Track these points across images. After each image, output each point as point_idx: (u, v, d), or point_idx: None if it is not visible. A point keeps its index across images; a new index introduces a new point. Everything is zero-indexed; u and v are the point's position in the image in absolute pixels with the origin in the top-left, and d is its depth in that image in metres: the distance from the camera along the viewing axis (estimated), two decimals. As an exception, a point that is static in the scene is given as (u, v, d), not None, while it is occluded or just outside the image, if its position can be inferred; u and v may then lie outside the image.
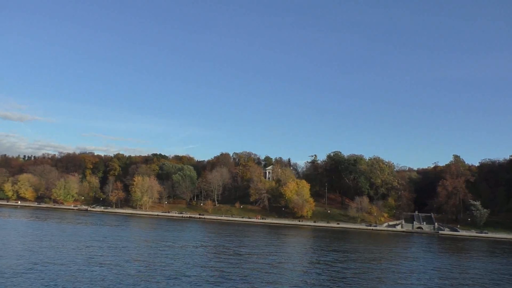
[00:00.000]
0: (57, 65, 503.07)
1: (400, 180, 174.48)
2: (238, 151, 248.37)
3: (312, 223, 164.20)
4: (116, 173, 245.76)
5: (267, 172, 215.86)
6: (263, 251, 78.95)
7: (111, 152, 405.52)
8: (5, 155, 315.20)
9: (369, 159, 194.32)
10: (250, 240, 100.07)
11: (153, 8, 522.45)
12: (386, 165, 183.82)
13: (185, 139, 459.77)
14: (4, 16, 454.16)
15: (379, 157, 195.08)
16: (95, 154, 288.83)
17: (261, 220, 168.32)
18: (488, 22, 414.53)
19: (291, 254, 78.71)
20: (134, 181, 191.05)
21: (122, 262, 57.15)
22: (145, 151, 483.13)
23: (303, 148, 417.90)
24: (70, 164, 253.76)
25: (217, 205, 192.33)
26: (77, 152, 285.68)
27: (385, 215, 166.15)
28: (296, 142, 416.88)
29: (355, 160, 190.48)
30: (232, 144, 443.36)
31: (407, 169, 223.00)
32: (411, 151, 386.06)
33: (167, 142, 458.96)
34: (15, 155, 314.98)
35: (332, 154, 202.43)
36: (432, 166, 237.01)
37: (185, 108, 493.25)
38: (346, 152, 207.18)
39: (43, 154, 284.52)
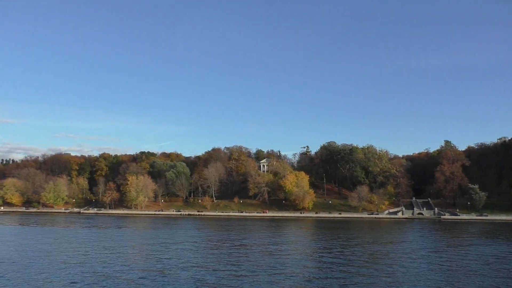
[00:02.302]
0: (24, 65, 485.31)
1: (398, 167, 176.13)
2: (218, 145, 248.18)
3: (314, 215, 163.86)
4: (104, 173, 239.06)
5: (262, 165, 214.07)
6: (280, 244, 77.46)
7: (85, 152, 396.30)
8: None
9: (362, 148, 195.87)
10: (260, 234, 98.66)
11: (126, 7, 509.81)
12: (382, 153, 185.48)
13: (158, 136, 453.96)
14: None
15: (372, 146, 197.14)
16: (80, 155, 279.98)
17: (268, 214, 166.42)
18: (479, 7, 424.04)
19: (308, 246, 77.60)
20: (128, 180, 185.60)
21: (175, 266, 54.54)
22: (121, 150, 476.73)
23: (284, 140, 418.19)
24: (55, 166, 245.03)
25: (215, 201, 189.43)
26: (50, 153, 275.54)
27: (386, 203, 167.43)
28: (278, 134, 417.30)
29: (351, 150, 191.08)
30: (212, 138, 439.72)
31: (393, 156, 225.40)
32: (393, 138, 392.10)
33: (141, 140, 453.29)
34: None
35: (326, 145, 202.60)
36: (417, 152, 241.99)
37: (157, 104, 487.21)
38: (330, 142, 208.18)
39: (26, 157, 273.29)
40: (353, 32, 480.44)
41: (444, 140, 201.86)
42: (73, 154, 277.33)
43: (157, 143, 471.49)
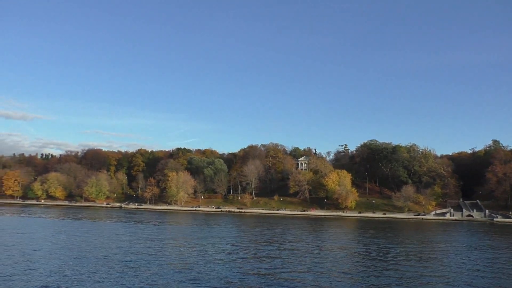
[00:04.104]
0: (57, 63, 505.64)
1: (445, 167, 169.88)
2: (243, 143, 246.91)
3: (357, 214, 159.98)
4: (141, 169, 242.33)
5: (300, 163, 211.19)
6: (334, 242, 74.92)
7: (114, 148, 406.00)
8: (22, 154, 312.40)
9: (406, 147, 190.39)
10: (307, 233, 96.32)
11: (151, 6, 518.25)
12: (427, 152, 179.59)
13: (184, 133, 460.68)
14: (3, 15, 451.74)
15: (415, 144, 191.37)
16: (116, 151, 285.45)
17: (315, 213, 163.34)
18: None
19: (366, 247, 74.72)
20: (169, 176, 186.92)
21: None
22: (147, 146, 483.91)
23: (312, 138, 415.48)
24: (95, 161, 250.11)
25: (255, 198, 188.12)
26: (80, 148, 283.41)
27: (433, 203, 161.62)
28: (306, 132, 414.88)
29: (394, 149, 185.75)
30: (239, 136, 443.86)
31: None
32: (428, 137, 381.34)
33: (167, 137, 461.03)
34: (18, 153, 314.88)
35: (368, 143, 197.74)
36: (457, 152, 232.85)
37: (184, 102, 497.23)
38: (361, 140, 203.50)
39: (67, 152, 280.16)
40: (382, 31, 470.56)
41: (492, 140, 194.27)
42: (104, 149, 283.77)
43: (182, 140, 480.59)
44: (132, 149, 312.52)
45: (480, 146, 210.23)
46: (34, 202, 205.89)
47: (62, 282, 40.40)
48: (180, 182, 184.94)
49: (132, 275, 44.43)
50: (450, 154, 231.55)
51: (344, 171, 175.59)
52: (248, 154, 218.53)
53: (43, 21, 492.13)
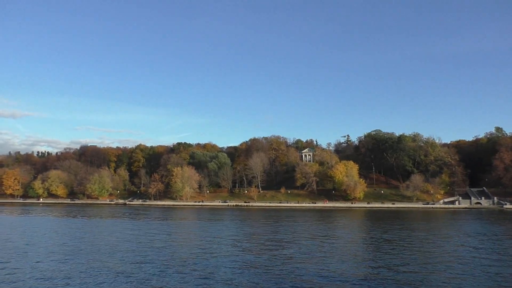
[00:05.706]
0: (47, 59, 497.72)
1: (452, 155, 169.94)
2: (237, 136, 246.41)
3: (366, 205, 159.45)
4: (141, 165, 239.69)
5: (304, 155, 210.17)
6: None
7: (106, 144, 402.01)
8: (18, 152, 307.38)
9: (409, 136, 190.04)
10: (328, 226, 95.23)
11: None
12: (433, 141, 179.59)
13: (177, 127, 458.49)
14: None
15: (419, 133, 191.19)
16: (115, 147, 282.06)
17: (325, 205, 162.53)
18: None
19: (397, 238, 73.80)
20: (173, 171, 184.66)
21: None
22: (140, 141, 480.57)
23: (312, 129, 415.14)
24: (94, 158, 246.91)
25: (261, 191, 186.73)
26: (78, 145, 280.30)
27: (441, 192, 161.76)
28: (306, 124, 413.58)
29: (399, 138, 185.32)
30: (232, 129, 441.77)
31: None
32: (429, 126, 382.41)
33: (160, 131, 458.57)
34: (9, 152, 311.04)
35: (373, 133, 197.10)
36: (455, 140, 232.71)
37: (175, 96, 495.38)
38: (360, 131, 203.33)
39: (65, 149, 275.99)
40: (383, 20, 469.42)
41: (495, 127, 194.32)
42: (97, 146, 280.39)
43: (175, 135, 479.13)
44: (124, 145, 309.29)
45: (480, 134, 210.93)
46: (35, 201, 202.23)
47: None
48: (185, 177, 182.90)
49: (144, 271, 43.37)
50: (449, 142, 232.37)
51: (351, 162, 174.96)
52: (250, 147, 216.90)
53: (31, 17, 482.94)
